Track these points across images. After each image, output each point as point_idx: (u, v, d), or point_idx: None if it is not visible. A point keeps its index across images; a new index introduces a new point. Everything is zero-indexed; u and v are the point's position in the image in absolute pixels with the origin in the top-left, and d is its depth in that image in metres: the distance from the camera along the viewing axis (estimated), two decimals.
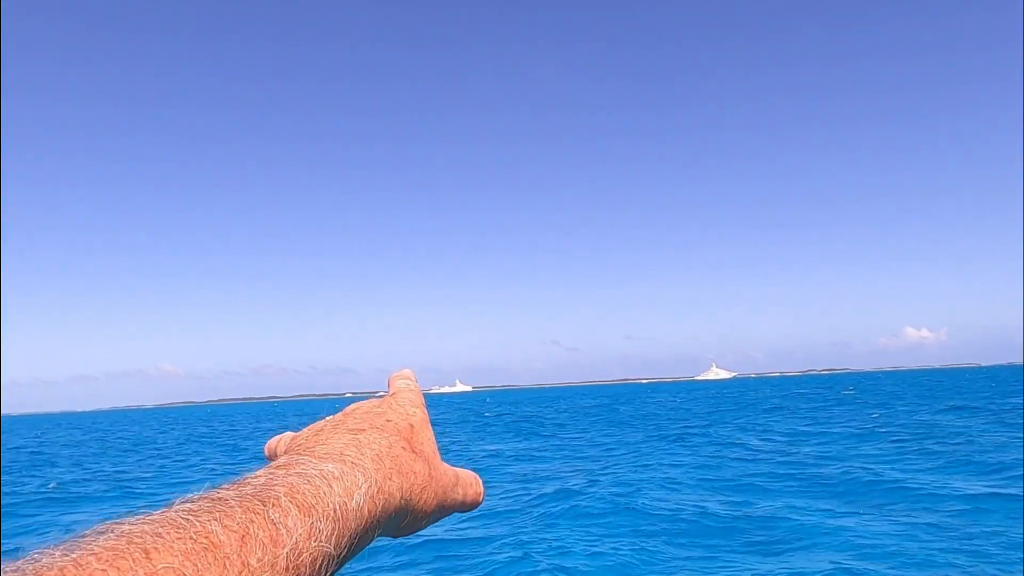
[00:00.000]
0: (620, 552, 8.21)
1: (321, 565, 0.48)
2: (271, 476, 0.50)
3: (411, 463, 0.60)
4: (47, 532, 11.07)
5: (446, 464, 0.66)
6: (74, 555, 0.43)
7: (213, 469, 20.31)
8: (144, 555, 0.44)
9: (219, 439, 36.24)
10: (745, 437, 21.36)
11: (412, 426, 0.65)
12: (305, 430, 0.64)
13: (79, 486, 17.53)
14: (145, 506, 0.42)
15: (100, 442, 40.17)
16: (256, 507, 0.47)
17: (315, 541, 0.47)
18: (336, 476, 0.52)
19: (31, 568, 0.42)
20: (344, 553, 0.50)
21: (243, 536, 0.46)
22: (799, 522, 9.19)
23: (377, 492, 0.54)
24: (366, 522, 0.52)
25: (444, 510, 0.64)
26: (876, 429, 21.70)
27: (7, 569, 0.41)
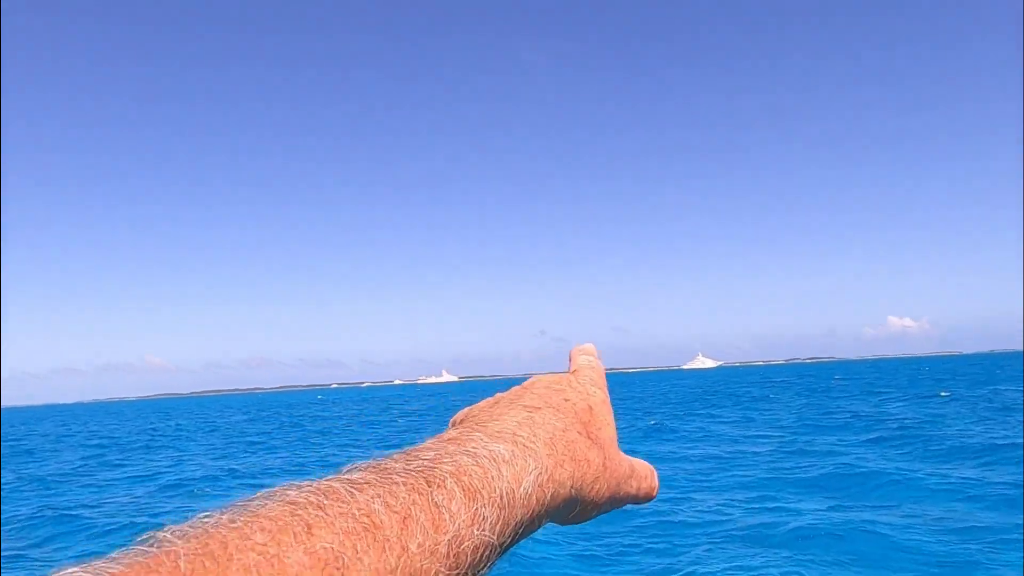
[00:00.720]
0: (588, 548, 7.90)
1: (482, 555, 0.45)
2: (440, 452, 0.48)
3: (585, 451, 0.57)
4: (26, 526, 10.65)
5: (622, 454, 0.63)
6: (239, 524, 0.41)
7: (193, 461, 19.85)
8: (306, 530, 0.42)
9: (201, 432, 35.73)
10: (726, 428, 21.12)
11: (591, 408, 0.61)
12: (481, 402, 0.63)
13: (58, 482, 17.07)
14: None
15: (80, 436, 39.51)
16: (420, 487, 0.45)
17: (478, 529, 0.45)
18: (506, 459, 0.50)
19: (199, 531, 0.41)
20: (507, 542, 0.48)
21: (404, 518, 0.43)
22: (784, 516, 8.89)
23: (547, 480, 0.51)
24: (532, 511, 0.50)
25: (616, 502, 0.61)
26: (870, 418, 21.53)
27: (174, 531, 0.40)
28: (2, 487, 15.95)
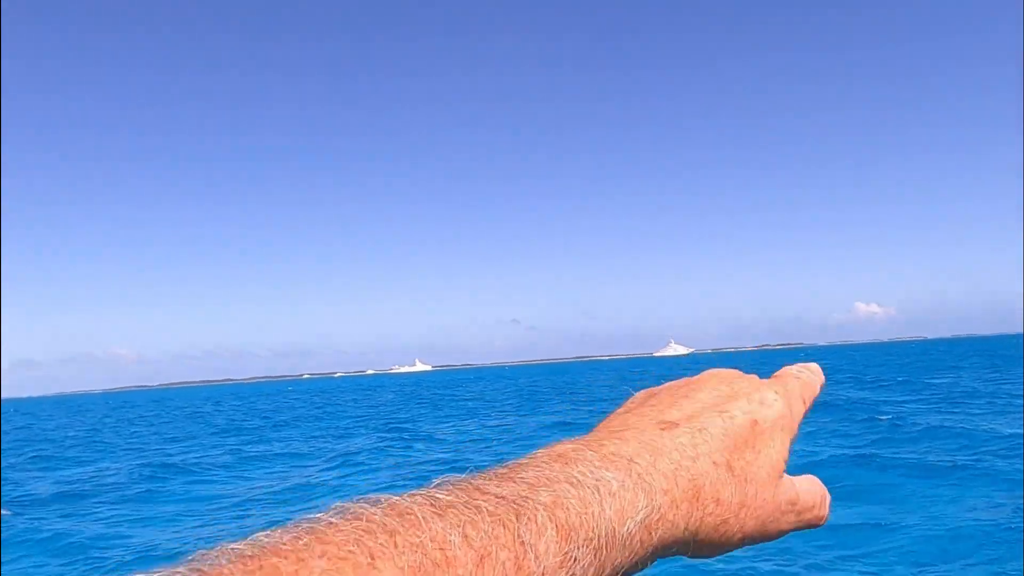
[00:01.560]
0: None
1: None
2: (542, 473, 0.43)
3: (715, 488, 0.49)
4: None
5: (786, 482, 0.54)
6: (299, 547, 0.35)
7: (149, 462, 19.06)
8: (369, 561, 0.36)
9: (164, 425, 34.88)
10: None
11: (754, 423, 0.53)
12: (639, 396, 0.58)
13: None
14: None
15: (24, 431, 38.32)
16: (508, 519, 0.39)
17: (567, 572, 0.40)
18: (613, 491, 0.44)
19: (253, 552, 0.35)
20: None
21: (482, 557, 0.38)
22: None
23: (657, 520, 0.45)
24: (634, 553, 0.44)
25: (765, 537, 0.53)
26: (840, 404, 21.43)
27: (225, 551, 0.35)
28: None
